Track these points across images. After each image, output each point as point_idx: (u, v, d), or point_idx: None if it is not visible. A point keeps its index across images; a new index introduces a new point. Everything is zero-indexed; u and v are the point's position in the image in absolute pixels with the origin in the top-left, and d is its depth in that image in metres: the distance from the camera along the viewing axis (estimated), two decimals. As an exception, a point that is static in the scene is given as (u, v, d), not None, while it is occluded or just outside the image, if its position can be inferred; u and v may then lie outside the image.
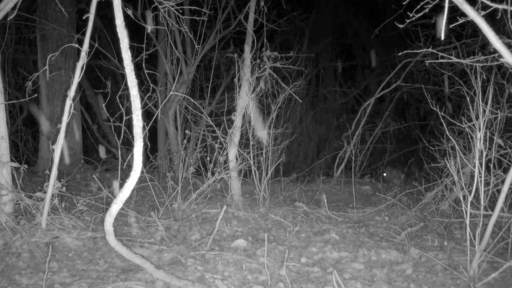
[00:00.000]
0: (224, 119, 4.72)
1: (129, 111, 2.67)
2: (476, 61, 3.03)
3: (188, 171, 5.11)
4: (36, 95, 4.18)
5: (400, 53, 3.42)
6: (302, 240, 3.69)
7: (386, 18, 4.87)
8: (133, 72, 2.51)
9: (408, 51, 3.33)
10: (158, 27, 5.26)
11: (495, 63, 2.95)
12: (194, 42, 5.09)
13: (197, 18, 4.06)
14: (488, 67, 3.84)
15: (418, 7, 2.69)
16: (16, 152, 7.05)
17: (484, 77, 3.27)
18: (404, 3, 2.73)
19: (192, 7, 4.15)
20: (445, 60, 3.00)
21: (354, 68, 10.39)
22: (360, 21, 9.86)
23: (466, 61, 2.99)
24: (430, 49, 3.13)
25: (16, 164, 3.56)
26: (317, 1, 9.66)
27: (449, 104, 6.58)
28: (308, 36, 9.02)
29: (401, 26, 3.03)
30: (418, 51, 3.38)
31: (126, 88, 2.57)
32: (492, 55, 2.83)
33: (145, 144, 2.58)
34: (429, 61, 3.48)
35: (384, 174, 6.78)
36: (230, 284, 2.80)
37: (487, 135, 3.10)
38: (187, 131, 5.51)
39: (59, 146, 3.43)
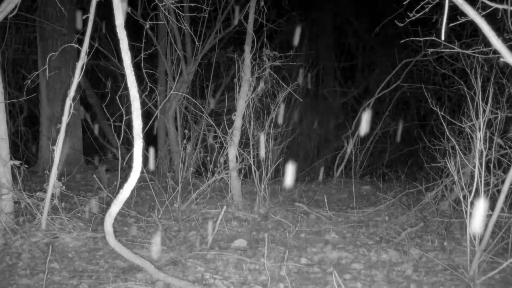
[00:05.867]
0: (224, 118, 4.72)
1: (129, 111, 2.67)
2: (479, 52, 3.03)
3: (188, 171, 5.12)
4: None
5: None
6: (302, 240, 3.69)
7: (386, 18, 4.86)
8: (133, 73, 2.51)
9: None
10: (158, 22, 5.25)
11: (497, 55, 2.94)
12: (195, 39, 5.09)
13: (197, 15, 4.06)
14: (488, 66, 3.84)
15: (418, 7, 2.70)
16: (16, 152, 7.04)
17: (484, 77, 3.27)
18: (404, 3, 2.73)
19: (192, 4, 4.15)
20: (447, 50, 2.99)
21: (354, 68, 10.38)
22: (360, 21, 9.85)
23: (469, 51, 3.00)
24: (430, 49, 3.13)
25: (17, 162, 3.57)
26: (317, 1, 9.66)
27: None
28: (308, 36, 9.01)
29: (401, 25, 3.03)
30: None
31: (126, 88, 2.56)
32: (490, 48, 2.83)
33: (147, 144, 2.58)
34: (431, 50, 3.46)
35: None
36: (230, 284, 2.80)
37: (487, 135, 3.10)
38: (185, 131, 5.52)
39: (59, 146, 3.43)
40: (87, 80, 7.79)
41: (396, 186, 5.50)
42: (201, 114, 5.52)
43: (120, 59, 2.57)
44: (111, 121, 4.46)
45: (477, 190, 2.96)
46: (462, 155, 3.38)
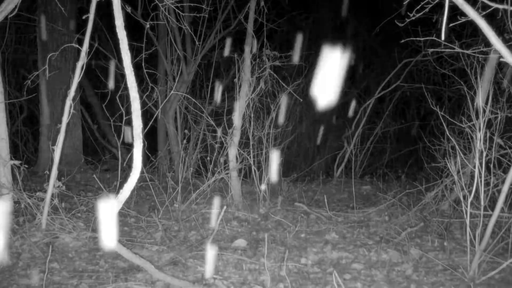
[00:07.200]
0: (224, 119, 4.72)
1: (129, 111, 2.67)
2: (479, 52, 3.04)
3: (188, 171, 5.11)
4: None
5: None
6: (302, 240, 3.69)
7: (386, 18, 4.86)
8: (133, 73, 2.51)
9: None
10: (158, 22, 5.24)
11: (498, 55, 2.94)
12: (195, 39, 5.08)
13: (197, 15, 4.06)
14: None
15: (419, 7, 2.70)
16: (16, 152, 7.04)
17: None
18: (404, 3, 2.73)
19: (192, 4, 4.15)
20: (447, 50, 2.99)
21: (354, 68, 10.36)
22: (360, 21, 9.84)
23: (469, 51, 3.00)
24: (430, 49, 3.13)
25: (17, 162, 3.57)
26: (317, 1, 9.65)
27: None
28: (308, 36, 9.00)
29: (401, 25, 3.03)
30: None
31: (126, 88, 2.56)
32: (490, 48, 2.83)
33: (149, 143, 2.57)
34: (431, 50, 3.45)
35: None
36: (230, 284, 2.80)
37: (487, 135, 3.10)
38: (186, 131, 5.51)
39: (59, 146, 3.43)
40: (87, 80, 7.78)
41: (396, 186, 5.50)
42: (201, 114, 5.52)
43: (120, 59, 2.56)
44: (111, 121, 4.46)
45: (477, 190, 2.96)
46: (462, 155, 3.38)
